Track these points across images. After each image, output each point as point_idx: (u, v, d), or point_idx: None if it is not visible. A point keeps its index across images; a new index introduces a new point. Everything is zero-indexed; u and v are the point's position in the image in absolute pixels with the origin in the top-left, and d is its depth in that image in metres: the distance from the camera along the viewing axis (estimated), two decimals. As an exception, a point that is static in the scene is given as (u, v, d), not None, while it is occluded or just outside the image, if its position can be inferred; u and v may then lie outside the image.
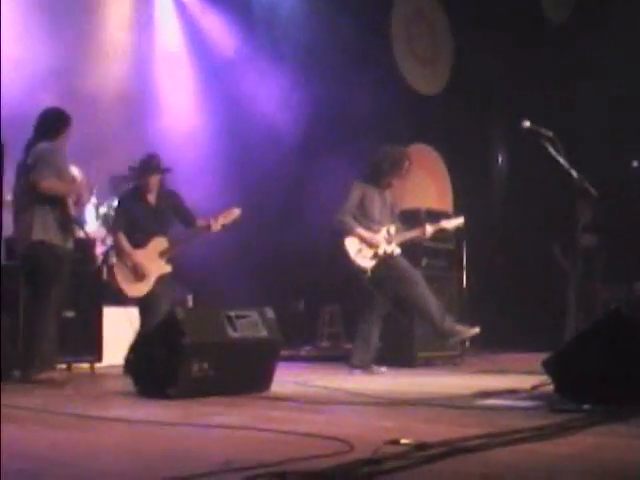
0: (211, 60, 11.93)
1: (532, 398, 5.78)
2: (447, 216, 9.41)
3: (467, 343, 10.52)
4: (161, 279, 8.11)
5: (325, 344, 12.60)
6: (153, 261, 8.14)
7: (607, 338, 5.30)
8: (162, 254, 8.19)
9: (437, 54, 14.68)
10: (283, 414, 5.21)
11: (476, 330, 8.36)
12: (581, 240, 7.80)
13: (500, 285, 13.22)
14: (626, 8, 12.93)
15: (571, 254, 8.83)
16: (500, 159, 14.94)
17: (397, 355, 9.46)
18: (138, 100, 11.12)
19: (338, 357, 10.58)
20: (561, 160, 6.82)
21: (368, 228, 8.61)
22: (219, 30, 11.93)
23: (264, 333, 6.28)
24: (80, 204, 7.59)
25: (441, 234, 9.19)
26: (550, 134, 6.88)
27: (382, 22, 13.58)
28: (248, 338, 6.19)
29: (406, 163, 8.85)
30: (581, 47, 13.64)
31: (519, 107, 12.37)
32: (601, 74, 13.12)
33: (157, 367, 5.90)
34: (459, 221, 9.08)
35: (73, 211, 7.24)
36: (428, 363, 9.61)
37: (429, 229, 8.86)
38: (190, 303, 9.53)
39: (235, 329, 6.11)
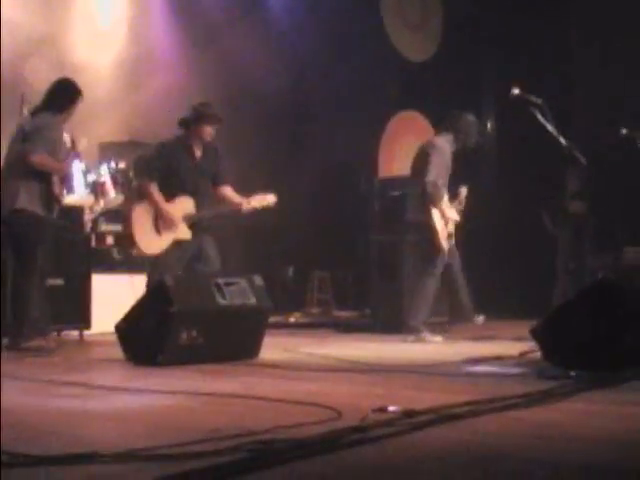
0: (200, 26, 11.82)
1: (520, 365, 5.82)
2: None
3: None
4: (177, 244, 7.72)
5: (314, 311, 12.63)
6: (175, 221, 7.74)
7: (594, 305, 5.33)
8: (186, 217, 7.76)
9: (427, 20, 14.61)
10: (272, 381, 5.22)
11: (438, 339, 8.26)
12: (570, 207, 7.81)
13: (490, 252, 13.23)
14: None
15: (560, 221, 8.83)
16: (489, 126, 14.90)
17: (387, 321, 9.50)
18: (129, 68, 11.04)
19: (327, 324, 10.63)
20: (550, 128, 6.81)
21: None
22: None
23: (253, 300, 6.29)
24: (67, 182, 7.53)
25: None
26: (539, 101, 6.87)
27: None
28: (237, 305, 6.19)
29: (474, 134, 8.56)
30: (572, 15, 13.60)
31: (509, 74, 12.36)
32: (592, 43, 13.09)
33: (146, 335, 5.90)
34: (465, 190, 8.70)
35: (57, 189, 7.19)
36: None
37: (460, 201, 8.64)
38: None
39: (224, 296, 6.12)
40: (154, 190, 7.71)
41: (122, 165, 9.71)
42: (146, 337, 5.90)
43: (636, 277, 5.82)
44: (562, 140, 6.80)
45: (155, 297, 5.98)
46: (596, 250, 10.63)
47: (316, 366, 5.90)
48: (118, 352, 6.16)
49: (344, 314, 12.24)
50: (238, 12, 11.66)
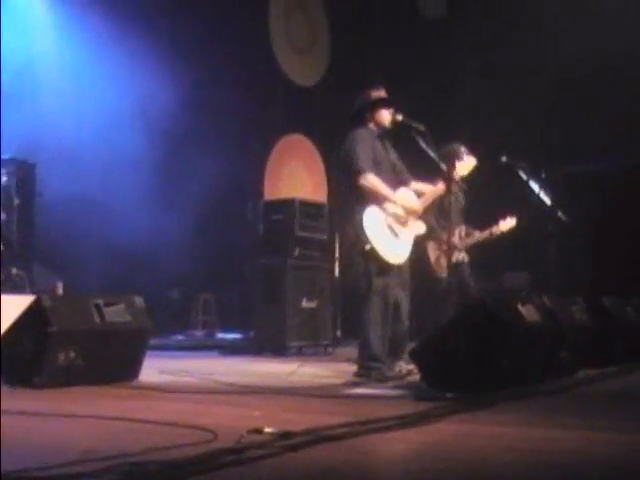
0: (80, 43, 11.63)
1: (399, 387, 5.87)
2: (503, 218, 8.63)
3: (339, 333, 10.61)
4: (415, 242, 6.92)
5: (199, 333, 12.57)
6: (408, 217, 6.85)
7: (471, 328, 5.42)
8: (413, 211, 6.90)
9: (315, 46, 14.71)
10: (149, 403, 5.17)
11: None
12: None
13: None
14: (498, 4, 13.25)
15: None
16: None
17: (269, 344, 9.51)
18: (11, 83, 10.79)
19: (211, 346, 10.58)
20: (431, 153, 6.89)
21: (444, 229, 8.08)
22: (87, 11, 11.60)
23: (132, 321, 6.21)
24: None
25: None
26: (421, 127, 6.94)
27: (260, 12, 13.53)
28: (116, 326, 6.10)
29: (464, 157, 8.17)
30: (456, 42, 13.88)
31: (394, 99, 12.51)
32: (475, 69, 13.39)
33: (23, 356, 5.77)
34: (513, 222, 8.57)
35: None
36: (300, 352, 9.68)
37: (496, 231, 8.50)
38: (60, 290, 9.38)
39: (103, 317, 6.02)
40: (379, 183, 6.67)
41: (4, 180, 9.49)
42: (22, 359, 5.76)
43: (515, 300, 5.98)
44: (442, 165, 6.90)
45: (32, 317, 5.85)
46: (478, 275, 10.81)
47: (195, 388, 5.86)
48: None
49: (228, 336, 12.21)
50: (121, 30, 11.50)
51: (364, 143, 6.78)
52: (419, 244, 7.72)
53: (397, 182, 6.98)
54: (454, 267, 8.17)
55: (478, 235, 8.58)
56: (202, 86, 11.90)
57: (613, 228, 12.31)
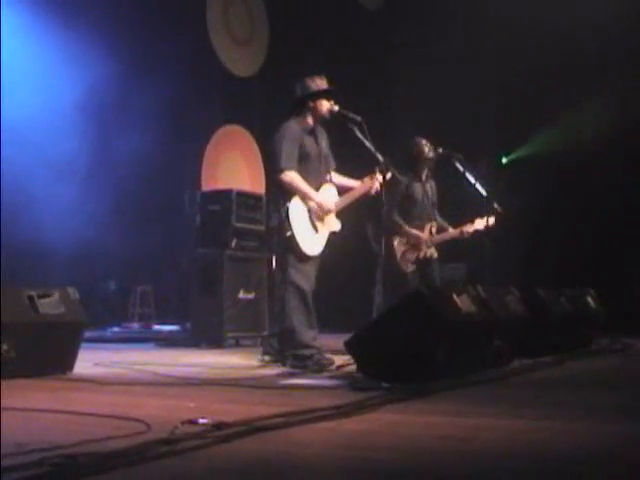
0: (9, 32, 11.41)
1: (335, 377, 5.89)
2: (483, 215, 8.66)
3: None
4: (331, 237, 6.98)
5: (135, 325, 12.50)
6: (329, 214, 6.95)
7: (406, 318, 5.46)
8: (327, 211, 6.94)
9: (253, 36, 14.67)
10: (84, 395, 5.13)
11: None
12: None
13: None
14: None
15: (382, 237, 9.00)
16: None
17: (207, 335, 9.49)
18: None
19: (148, 338, 10.52)
20: (368, 144, 6.91)
21: (411, 225, 8.42)
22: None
23: (67, 313, 6.14)
24: None
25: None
26: (358, 118, 6.96)
27: (198, 2, 13.45)
28: (50, 318, 6.03)
29: (425, 150, 8.50)
30: (395, 33, 13.95)
31: (335, 89, 12.54)
32: (414, 59, 13.46)
33: (-45, 349, 5.69)
34: (491, 221, 8.62)
35: None
36: (238, 343, 9.67)
37: (469, 230, 8.57)
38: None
39: (37, 309, 5.95)
40: (301, 181, 6.77)
41: None
42: (-46, 351, 5.69)
43: (451, 291, 6.03)
44: (379, 156, 6.92)
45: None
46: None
47: (130, 380, 5.82)
48: None
49: (165, 328, 12.16)
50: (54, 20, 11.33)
51: (292, 138, 6.86)
52: (387, 239, 7.80)
53: (326, 175, 7.09)
54: (421, 263, 8.27)
55: (450, 232, 8.66)
56: (139, 76, 11.78)
57: (548, 220, 12.47)
